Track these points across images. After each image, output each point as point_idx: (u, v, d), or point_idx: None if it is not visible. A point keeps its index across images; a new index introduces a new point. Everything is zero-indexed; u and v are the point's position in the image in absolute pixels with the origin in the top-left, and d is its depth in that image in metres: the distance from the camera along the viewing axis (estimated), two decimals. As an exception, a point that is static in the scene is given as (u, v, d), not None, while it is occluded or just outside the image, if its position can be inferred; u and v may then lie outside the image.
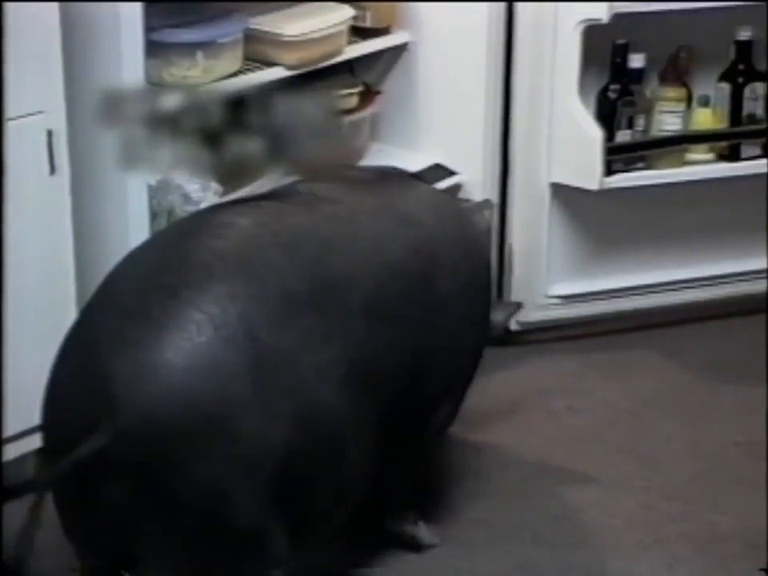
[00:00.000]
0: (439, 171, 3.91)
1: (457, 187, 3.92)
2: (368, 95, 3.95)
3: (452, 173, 3.91)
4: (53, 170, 3.13)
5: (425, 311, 2.94)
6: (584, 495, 3.41)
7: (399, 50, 3.93)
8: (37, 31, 3.05)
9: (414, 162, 3.88)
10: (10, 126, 2.98)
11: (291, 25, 3.58)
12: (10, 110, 2.96)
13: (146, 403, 2.49)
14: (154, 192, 3.29)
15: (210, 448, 2.52)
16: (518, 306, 3.74)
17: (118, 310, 2.60)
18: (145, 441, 2.49)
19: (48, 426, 2.64)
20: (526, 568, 3.16)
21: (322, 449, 2.67)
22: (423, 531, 3.21)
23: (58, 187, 3.16)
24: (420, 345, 2.92)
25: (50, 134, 3.09)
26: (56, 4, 3.08)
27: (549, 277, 3.96)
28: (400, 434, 2.94)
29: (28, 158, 3.08)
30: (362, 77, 3.96)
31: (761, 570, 3.05)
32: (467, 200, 3.89)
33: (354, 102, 3.78)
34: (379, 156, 3.94)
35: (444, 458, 3.49)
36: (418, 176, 3.47)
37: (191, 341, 2.53)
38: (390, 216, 3.00)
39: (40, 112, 3.08)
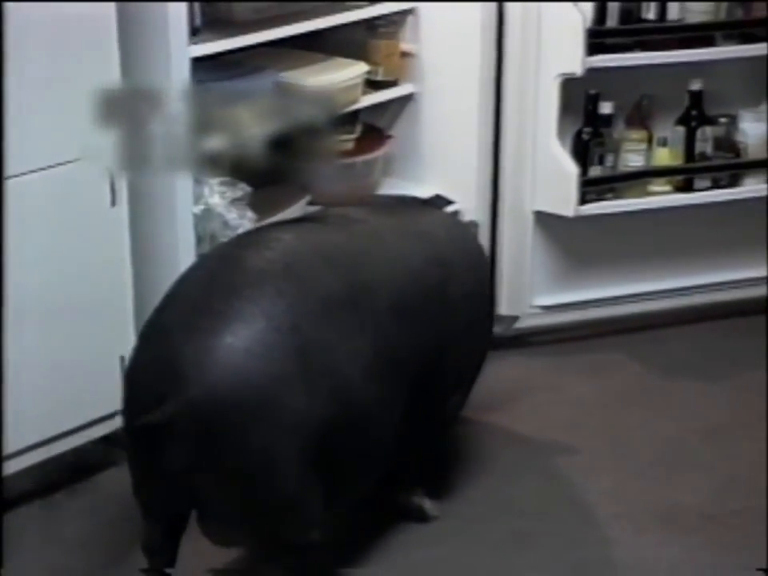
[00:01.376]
0: (439, 200, 3.88)
1: (454, 213, 3.91)
2: (381, 139, 3.94)
3: (450, 202, 3.88)
4: (113, 202, 3.11)
5: (439, 312, 2.97)
6: (564, 475, 3.39)
7: (406, 99, 3.90)
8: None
9: (417, 193, 3.83)
10: (78, 165, 3.02)
11: (314, 78, 3.57)
12: (75, 153, 2.99)
13: (208, 380, 2.54)
14: (198, 219, 3.28)
15: (260, 419, 2.56)
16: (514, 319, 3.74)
17: (187, 303, 2.67)
18: (206, 411, 2.53)
19: (128, 400, 2.67)
20: (515, 536, 3.14)
21: (352, 423, 2.70)
22: (428, 504, 3.20)
23: (118, 218, 3.14)
24: (435, 340, 2.95)
25: (111, 170, 3.05)
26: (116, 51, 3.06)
27: (533, 289, 3.93)
28: (417, 416, 2.94)
29: (92, 191, 3.07)
30: (374, 122, 3.94)
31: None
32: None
33: (351, 145, 3.76)
34: (390, 188, 3.91)
35: (446, 443, 3.47)
36: (429, 202, 3.49)
37: (247, 329, 2.59)
38: (410, 233, 3.05)
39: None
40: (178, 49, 3.11)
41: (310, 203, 3.62)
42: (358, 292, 2.77)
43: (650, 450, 3.50)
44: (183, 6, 3.14)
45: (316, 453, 2.61)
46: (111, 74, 3.03)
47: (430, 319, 2.93)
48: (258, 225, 3.26)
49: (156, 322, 2.69)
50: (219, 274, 2.71)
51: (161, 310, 2.71)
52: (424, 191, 3.90)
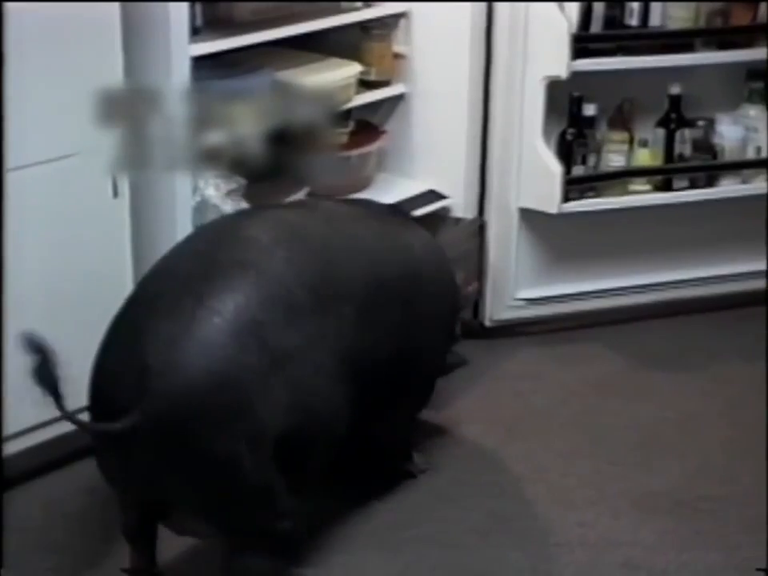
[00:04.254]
0: (433, 195, 3.91)
1: (446, 209, 3.93)
2: (375, 134, 3.95)
3: (443, 196, 3.91)
4: (115, 193, 3.12)
5: (403, 324, 2.95)
6: (543, 460, 3.41)
7: (398, 98, 3.92)
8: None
9: (411, 188, 3.92)
10: (81, 157, 3.03)
11: (309, 77, 3.57)
12: (79, 146, 3.01)
13: (172, 391, 2.51)
14: (194, 211, 3.28)
15: (223, 427, 2.55)
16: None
17: (156, 308, 2.61)
18: (171, 420, 2.52)
19: (93, 402, 2.65)
20: (493, 517, 3.17)
21: (314, 428, 2.70)
22: (415, 460, 3.27)
23: (119, 209, 3.15)
24: (396, 348, 2.93)
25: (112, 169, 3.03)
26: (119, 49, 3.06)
27: (516, 282, 3.95)
28: (378, 409, 2.97)
29: (95, 183, 3.07)
30: (368, 119, 3.97)
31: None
32: (460, 219, 3.90)
33: (344, 138, 3.76)
34: (384, 183, 3.95)
35: (433, 429, 3.50)
36: (417, 219, 3.47)
37: (211, 343, 2.56)
38: (387, 242, 3.01)
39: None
40: (179, 48, 3.12)
41: (309, 195, 3.65)
42: (324, 300, 2.73)
43: (626, 437, 3.52)
44: (184, 6, 3.15)
45: (279, 453, 2.61)
46: (114, 71, 3.04)
47: (393, 329, 2.90)
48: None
49: (122, 322, 2.65)
50: (190, 277, 2.64)
51: (127, 309, 2.67)
52: (416, 186, 3.93)
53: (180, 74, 3.14)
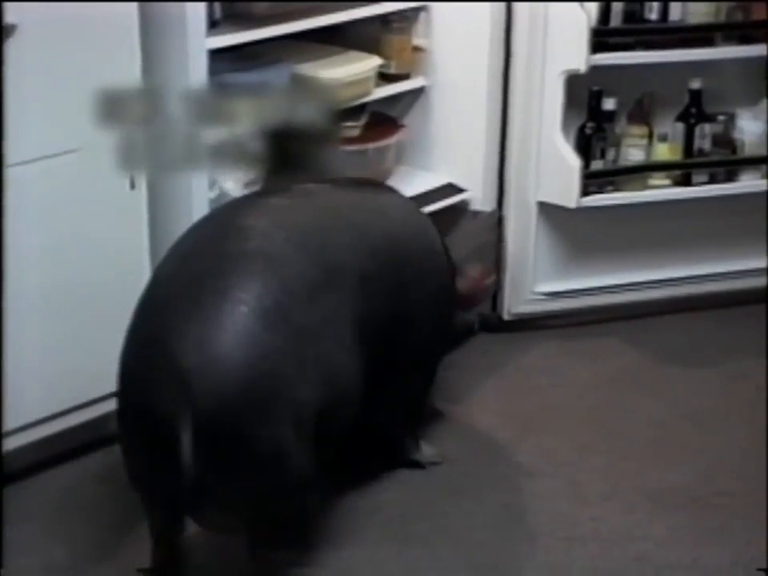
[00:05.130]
0: (451, 189, 3.91)
1: (465, 202, 3.93)
2: (393, 127, 3.94)
3: (461, 190, 3.91)
4: (132, 185, 3.13)
5: (396, 286, 2.95)
6: (557, 454, 3.40)
7: (418, 92, 3.91)
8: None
9: (430, 181, 3.90)
10: (99, 149, 3.03)
11: (328, 71, 3.58)
12: (99, 136, 2.98)
13: (215, 390, 2.51)
14: (213, 204, 3.26)
15: (272, 415, 2.57)
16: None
17: (177, 310, 2.60)
18: (224, 418, 2.52)
19: (126, 413, 2.63)
20: (505, 511, 3.17)
21: (342, 400, 2.73)
22: (428, 452, 3.27)
23: (136, 200, 3.15)
24: (392, 313, 2.93)
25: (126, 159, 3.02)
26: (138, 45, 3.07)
27: (535, 276, 3.94)
28: (386, 383, 2.97)
29: (112, 174, 3.04)
30: (387, 113, 3.96)
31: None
32: (479, 211, 3.90)
33: (357, 132, 3.75)
34: (403, 176, 3.92)
35: (447, 421, 3.51)
36: (391, 188, 3.44)
37: (243, 332, 2.57)
38: (366, 207, 3.03)
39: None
40: (196, 42, 3.11)
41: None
42: (332, 272, 2.76)
43: (641, 432, 3.51)
44: (201, 4, 3.14)
45: (315, 432, 2.64)
46: (132, 68, 3.04)
47: (387, 293, 2.91)
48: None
49: (145, 328, 2.65)
50: (201, 273, 2.64)
51: (146, 311, 2.67)
52: (436, 180, 3.93)
53: (197, 70, 3.13)
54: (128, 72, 3.03)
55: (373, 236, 2.94)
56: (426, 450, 3.29)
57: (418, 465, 3.26)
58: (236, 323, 2.56)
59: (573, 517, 3.15)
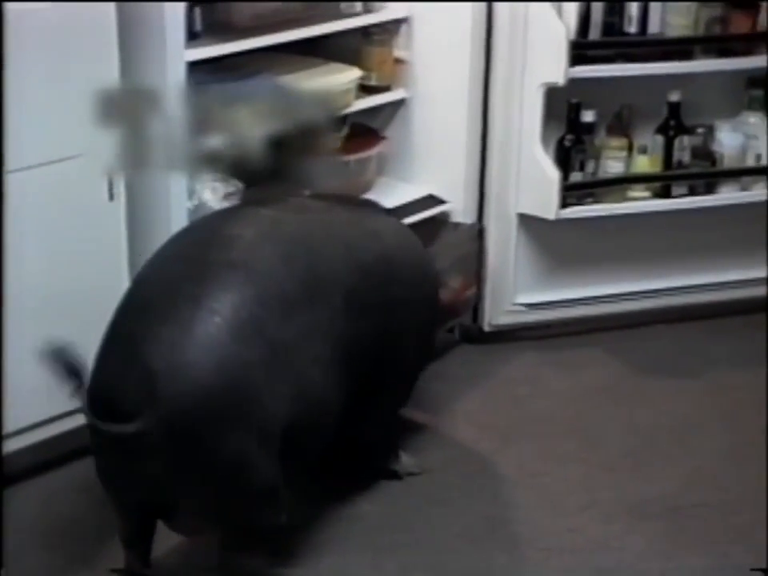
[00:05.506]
0: (432, 200, 3.92)
1: (445, 214, 3.93)
2: (375, 139, 3.95)
3: (442, 201, 3.91)
4: (111, 197, 3.13)
5: (384, 305, 2.96)
6: (537, 465, 3.40)
7: (399, 103, 3.93)
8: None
9: (411, 193, 3.91)
10: (77, 161, 3.04)
11: (309, 81, 3.57)
12: (75, 149, 3.02)
13: (180, 396, 2.53)
14: (192, 215, 3.28)
15: (235, 425, 2.57)
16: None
17: (154, 313, 2.62)
18: (184, 423, 2.54)
19: (96, 409, 2.61)
20: (483, 522, 3.16)
21: (313, 418, 2.73)
22: (408, 462, 3.27)
23: (115, 212, 3.15)
24: (379, 333, 2.94)
25: (108, 166, 3.02)
26: (116, 57, 3.07)
27: (516, 288, 3.95)
28: (367, 402, 2.99)
29: (90, 186, 3.07)
30: (368, 124, 3.97)
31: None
32: (459, 223, 3.90)
33: (339, 143, 3.73)
34: (384, 188, 3.94)
35: (427, 432, 3.51)
36: (389, 211, 3.46)
37: (214, 342, 2.58)
38: (361, 230, 3.04)
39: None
40: (175, 52, 3.12)
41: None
42: (314, 288, 2.76)
43: (621, 443, 3.52)
44: (180, 9, 3.15)
45: (282, 446, 2.64)
46: (110, 74, 3.04)
47: (375, 313, 2.92)
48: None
49: (121, 328, 2.66)
50: (183, 281, 2.66)
51: (123, 311, 2.69)
52: (416, 191, 3.94)
53: (175, 77, 3.14)
54: (106, 78, 3.02)
55: (364, 254, 2.95)
56: (406, 461, 3.29)
57: (396, 475, 3.27)
58: (208, 332, 2.57)
59: (551, 527, 3.16)
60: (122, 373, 2.58)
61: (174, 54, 3.13)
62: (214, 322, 2.57)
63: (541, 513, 3.22)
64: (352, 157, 3.83)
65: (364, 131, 3.95)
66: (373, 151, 3.92)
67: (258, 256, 2.72)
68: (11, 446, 3.05)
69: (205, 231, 2.86)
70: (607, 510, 3.22)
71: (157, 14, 3.10)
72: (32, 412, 3.10)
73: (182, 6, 3.15)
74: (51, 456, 3.24)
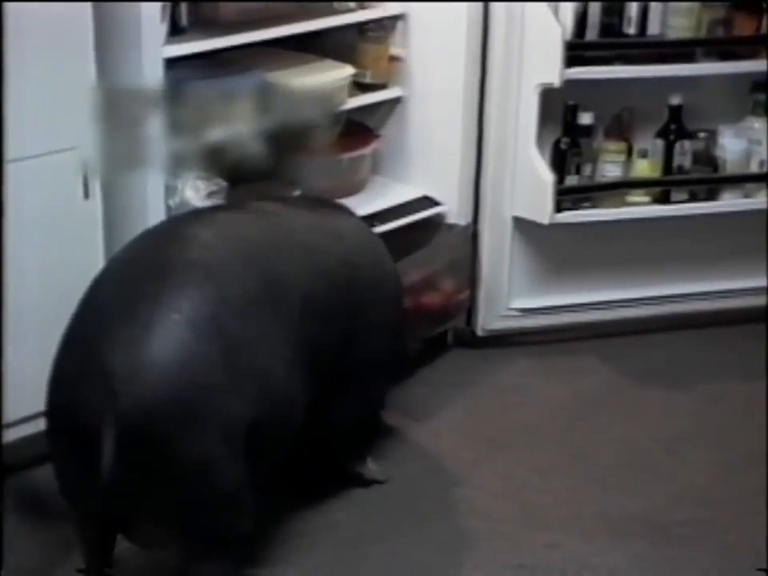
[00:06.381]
0: (427, 202, 3.83)
1: (440, 215, 3.85)
2: (368, 137, 3.87)
3: (437, 203, 3.83)
4: (86, 195, 3.07)
5: (346, 307, 2.92)
6: (521, 476, 3.33)
7: (395, 102, 3.85)
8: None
9: (405, 193, 3.83)
10: (51, 158, 2.99)
11: (299, 79, 3.50)
12: (51, 144, 2.97)
13: (140, 395, 2.47)
14: (173, 212, 3.20)
15: (193, 428, 2.51)
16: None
17: (111, 313, 2.56)
18: (142, 426, 2.47)
19: (54, 414, 2.59)
20: (459, 536, 3.09)
21: (277, 416, 2.68)
22: (373, 469, 3.22)
23: (91, 210, 3.09)
24: (341, 334, 2.90)
25: (85, 163, 3.00)
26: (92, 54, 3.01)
27: (510, 292, 3.87)
28: (333, 403, 2.95)
29: (65, 184, 3.01)
30: (364, 122, 3.89)
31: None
32: (453, 225, 3.83)
33: (331, 141, 3.56)
34: (379, 187, 3.87)
35: (410, 440, 3.44)
36: (348, 210, 3.36)
37: (174, 340, 2.52)
38: (322, 231, 2.99)
39: (73, 148, 3.00)
40: (151, 50, 3.06)
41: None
42: (274, 288, 2.72)
43: (609, 455, 3.43)
44: (157, 6, 3.08)
45: (247, 447, 2.58)
46: (87, 71, 2.98)
47: (338, 314, 2.89)
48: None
49: (78, 329, 2.61)
50: (141, 280, 2.62)
51: (81, 312, 2.63)
52: (410, 192, 3.86)
53: (153, 74, 3.07)
54: (82, 75, 2.98)
55: (324, 257, 2.91)
56: (372, 467, 3.22)
57: (361, 479, 3.20)
58: (167, 331, 2.51)
59: (528, 543, 3.08)
60: (81, 376, 2.53)
61: (151, 51, 3.06)
62: (173, 319, 2.52)
63: (519, 527, 3.14)
64: (346, 155, 3.76)
65: (358, 129, 3.87)
66: (367, 150, 3.85)
67: (216, 255, 2.68)
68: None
69: (162, 233, 2.83)
70: (589, 525, 3.14)
71: (133, 12, 3.03)
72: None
73: (158, 3, 3.08)
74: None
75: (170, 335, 2.52)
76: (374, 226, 3.59)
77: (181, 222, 2.89)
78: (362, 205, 3.67)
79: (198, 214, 2.98)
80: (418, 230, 3.80)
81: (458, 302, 3.83)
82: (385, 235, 3.55)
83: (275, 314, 2.70)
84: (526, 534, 3.11)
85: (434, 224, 3.84)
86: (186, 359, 2.52)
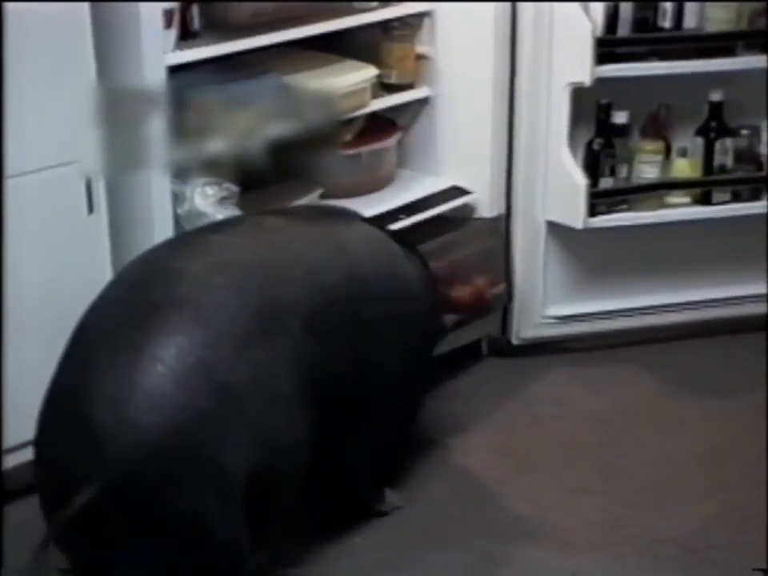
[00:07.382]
0: (456, 191, 3.69)
1: (470, 208, 3.72)
2: (389, 130, 3.72)
3: (467, 192, 3.69)
4: (91, 209, 2.97)
5: (353, 330, 2.75)
6: (550, 497, 3.19)
7: (423, 101, 3.71)
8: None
9: (436, 185, 3.71)
10: (52, 172, 2.90)
11: (319, 81, 3.38)
12: (52, 159, 2.88)
13: (127, 453, 2.35)
14: (183, 221, 3.10)
15: (187, 482, 2.39)
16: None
17: (91, 368, 2.44)
18: (132, 485, 2.36)
19: (42, 473, 2.49)
20: (484, 560, 2.95)
21: (278, 462, 2.53)
22: (388, 499, 3.07)
23: (96, 225, 2.99)
24: (352, 354, 2.73)
25: (88, 177, 2.92)
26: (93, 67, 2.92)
27: (545, 299, 3.73)
28: (340, 430, 2.78)
29: (68, 200, 2.92)
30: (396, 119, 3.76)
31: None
32: (480, 218, 3.70)
33: (349, 138, 3.56)
34: (408, 181, 3.75)
35: (434, 457, 3.31)
36: (364, 219, 3.20)
37: (157, 394, 2.38)
38: (324, 245, 2.81)
39: (74, 161, 2.91)
40: (152, 54, 2.95)
41: (322, 197, 3.48)
42: (271, 317, 2.56)
43: (644, 473, 3.28)
44: (158, 9, 2.97)
45: (245, 499, 2.46)
46: (87, 77, 2.89)
47: (343, 337, 2.72)
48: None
49: (62, 382, 2.49)
50: (123, 326, 2.47)
51: (66, 361, 2.51)
52: (440, 183, 3.72)
53: (155, 76, 2.96)
54: (82, 80, 2.88)
55: (327, 274, 2.74)
56: (390, 497, 3.08)
57: (381, 513, 3.06)
58: (151, 383, 2.38)
59: (555, 568, 2.94)
60: (66, 435, 2.41)
61: (152, 55, 2.95)
62: (157, 371, 2.38)
63: (548, 551, 2.99)
64: (365, 149, 3.63)
65: (379, 122, 3.72)
66: (388, 142, 3.71)
67: (205, 290, 2.52)
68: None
69: (147, 267, 2.66)
70: (619, 550, 2.99)
71: (132, 15, 2.93)
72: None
73: (158, 6, 2.97)
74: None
75: (154, 389, 2.38)
76: (399, 219, 3.49)
77: (170, 250, 2.72)
78: (389, 198, 3.60)
79: (187, 239, 2.82)
80: (447, 225, 3.66)
81: (489, 298, 3.66)
82: (414, 229, 3.46)
83: (273, 347, 2.54)
84: (554, 558, 2.97)
85: (462, 217, 3.71)
86: (170, 415, 2.38)
